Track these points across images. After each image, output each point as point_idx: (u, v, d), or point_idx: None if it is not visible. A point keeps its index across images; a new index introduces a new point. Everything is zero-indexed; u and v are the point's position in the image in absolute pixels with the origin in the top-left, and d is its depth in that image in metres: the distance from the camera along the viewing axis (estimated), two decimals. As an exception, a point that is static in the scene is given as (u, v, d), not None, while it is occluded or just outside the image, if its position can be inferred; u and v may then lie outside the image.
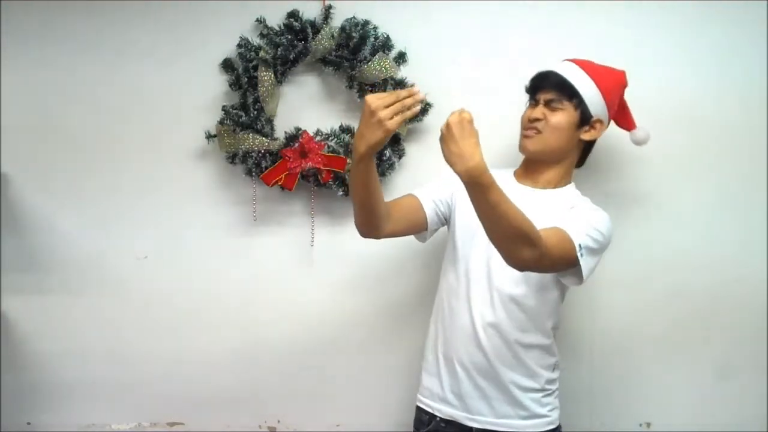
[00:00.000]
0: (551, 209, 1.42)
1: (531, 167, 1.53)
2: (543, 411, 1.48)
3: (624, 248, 1.69)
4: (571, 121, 1.46)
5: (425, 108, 1.77)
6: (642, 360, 1.80)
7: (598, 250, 1.38)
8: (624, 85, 1.55)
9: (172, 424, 1.96)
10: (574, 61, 1.51)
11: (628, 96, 1.66)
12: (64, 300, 1.94)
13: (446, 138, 1.17)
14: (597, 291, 1.75)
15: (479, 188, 1.17)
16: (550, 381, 1.50)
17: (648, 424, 1.81)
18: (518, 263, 1.27)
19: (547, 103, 1.47)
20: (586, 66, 1.49)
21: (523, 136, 1.50)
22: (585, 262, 1.32)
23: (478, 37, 1.79)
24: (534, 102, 1.50)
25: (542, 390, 1.48)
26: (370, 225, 1.43)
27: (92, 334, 1.94)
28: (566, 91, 1.45)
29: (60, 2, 1.91)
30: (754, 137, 1.75)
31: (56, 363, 1.96)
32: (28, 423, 1.99)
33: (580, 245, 1.31)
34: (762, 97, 1.74)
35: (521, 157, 1.56)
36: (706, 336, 1.78)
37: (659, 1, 1.75)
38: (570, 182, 1.54)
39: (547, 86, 1.47)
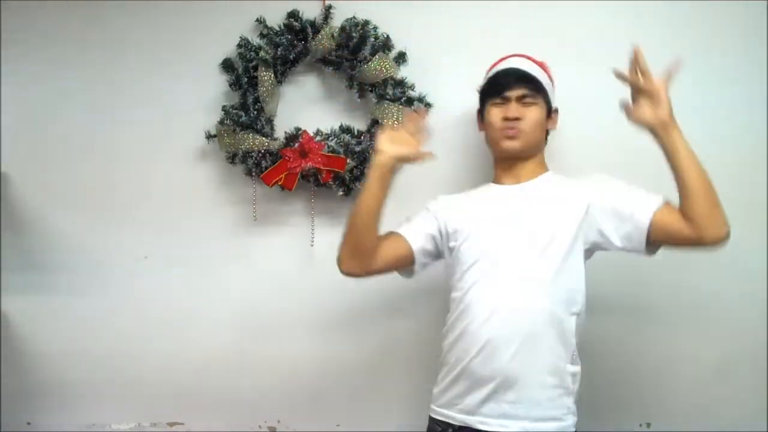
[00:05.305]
0: (545, 196, 1.46)
1: (511, 165, 1.52)
2: (559, 413, 1.42)
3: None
4: (544, 114, 1.51)
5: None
6: (642, 360, 1.79)
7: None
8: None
9: (172, 424, 1.96)
10: (520, 55, 1.55)
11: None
12: (65, 300, 1.95)
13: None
14: (596, 291, 1.74)
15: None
16: (571, 376, 1.44)
17: (648, 424, 1.81)
18: (721, 235, 1.36)
19: (519, 99, 1.48)
20: (532, 59, 1.54)
21: (506, 137, 1.48)
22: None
23: (477, 37, 1.79)
24: (501, 100, 1.49)
25: (561, 387, 1.42)
26: (361, 256, 1.46)
27: (92, 334, 1.94)
28: (533, 85, 1.49)
29: (59, 2, 1.91)
30: (754, 136, 1.75)
31: (56, 363, 1.96)
32: (28, 423, 1.99)
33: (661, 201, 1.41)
34: (762, 97, 1.74)
35: None
36: (705, 336, 1.78)
37: (659, 2, 1.75)
38: (547, 168, 1.55)
39: (517, 83, 1.48)
